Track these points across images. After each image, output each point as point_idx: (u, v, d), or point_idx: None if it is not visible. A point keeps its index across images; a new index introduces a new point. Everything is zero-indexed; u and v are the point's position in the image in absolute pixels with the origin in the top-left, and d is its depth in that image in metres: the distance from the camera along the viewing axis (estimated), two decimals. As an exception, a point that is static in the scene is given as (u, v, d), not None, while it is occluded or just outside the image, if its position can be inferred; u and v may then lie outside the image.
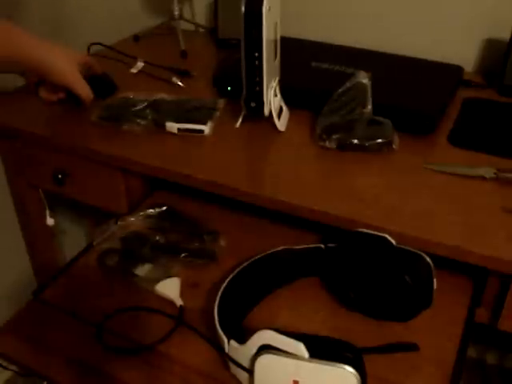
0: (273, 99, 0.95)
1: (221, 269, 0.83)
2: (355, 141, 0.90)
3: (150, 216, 0.92)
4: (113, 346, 0.72)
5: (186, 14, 1.41)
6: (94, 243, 0.88)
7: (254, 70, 0.90)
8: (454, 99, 1.05)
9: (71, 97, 1.01)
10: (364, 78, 0.93)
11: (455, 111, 1.02)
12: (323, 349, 0.60)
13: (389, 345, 0.71)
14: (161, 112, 1.00)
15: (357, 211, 0.79)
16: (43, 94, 1.03)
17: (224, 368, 0.69)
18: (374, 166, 0.89)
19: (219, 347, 0.67)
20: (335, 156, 0.91)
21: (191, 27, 1.42)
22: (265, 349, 0.61)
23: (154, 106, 1.01)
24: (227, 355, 0.66)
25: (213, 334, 0.69)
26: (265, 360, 0.61)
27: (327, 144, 0.91)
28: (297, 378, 0.61)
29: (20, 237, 1.26)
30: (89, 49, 1.23)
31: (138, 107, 1.00)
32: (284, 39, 0.96)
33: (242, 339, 0.64)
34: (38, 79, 1.02)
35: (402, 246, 0.73)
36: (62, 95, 1.03)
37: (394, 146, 0.91)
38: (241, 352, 0.64)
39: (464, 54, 1.18)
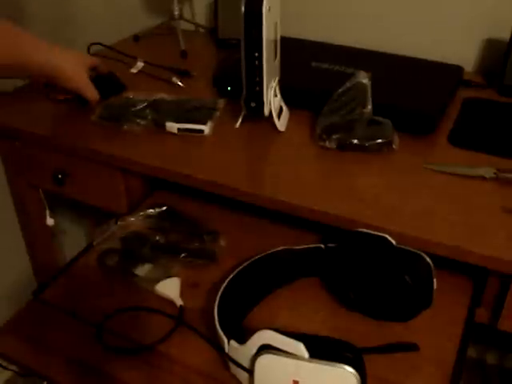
0: (273, 99, 0.95)
1: (221, 269, 0.83)
2: (355, 141, 0.90)
3: (149, 216, 0.93)
4: (113, 345, 0.72)
5: (186, 14, 1.41)
6: (94, 243, 0.88)
7: (254, 70, 0.90)
8: (454, 99, 1.05)
9: (78, 97, 1.02)
10: (364, 78, 0.93)
11: (455, 111, 1.02)
12: (323, 349, 0.60)
13: (389, 345, 0.71)
14: (161, 112, 1.00)
15: (357, 211, 0.79)
16: (51, 92, 1.05)
17: (224, 368, 0.69)
18: (374, 165, 0.89)
19: (219, 347, 0.67)
20: (335, 156, 0.91)
21: (191, 27, 1.42)
22: (265, 349, 0.61)
23: (154, 106, 1.01)
24: (227, 355, 0.66)
25: (213, 334, 0.69)
26: (265, 360, 0.61)
27: (327, 144, 0.91)
28: (297, 378, 0.61)
29: (20, 237, 1.26)
30: (89, 49, 1.23)
31: (138, 107, 1.01)
32: (284, 39, 0.96)
33: (242, 339, 0.64)
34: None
35: (402, 246, 0.73)
36: (69, 95, 1.04)
37: (394, 146, 0.91)
38: (241, 352, 0.64)
39: (464, 54, 1.18)
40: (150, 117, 0.99)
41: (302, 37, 1.24)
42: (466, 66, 1.13)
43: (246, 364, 0.63)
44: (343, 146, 0.91)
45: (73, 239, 1.54)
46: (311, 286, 0.81)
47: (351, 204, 0.80)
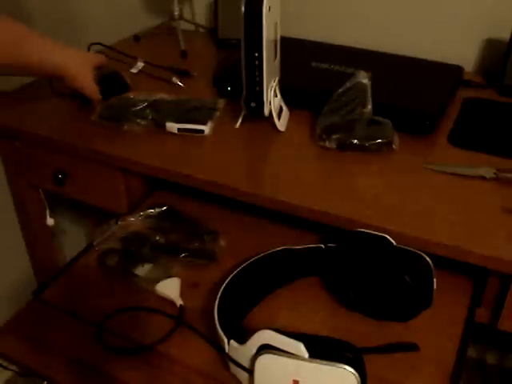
0: (273, 99, 0.95)
1: (221, 269, 0.83)
2: (355, 141, 0.90)
3: (150, 216, 0.93)
4: (113, 346, 0.72)
5: (186, 14, 1.41)
6: (94, 243, 0.88)
7: (254, 70, 0.90)
8: (454, 99, 1.05)
9: (81, 95, 1.02)
10: (364, 78, 0.93)
11: (455, 111, 1.02)
12: (323, 349, 0.60)
13: (389, 345, 0.71)
14: (161, 112, 1.00)
15: (357, 211, 0.79)
16: (56, 86, 1.05)
17: (224, 368, 0.69)
18: (374, 166, 0.89)
19: (219, 347, 0.67)
20: (335, 156, 0.91)
21: (191, 27, 1.42)
22: (265, 349, 0.61)
23: (154, 106, 1.01)
24: (227, 355, 0.66)
25: (213, 334, 0.69)
26: (265, 360, 0.61)
27: (327, 144, 0.91)
28: (297, 378, 0.61)
29: (20, 237, 1.26)
30: (89, 49, 1.23)
31: (138, 107, 1.00)
32: (284, 39, 0.96)
33: (242, 339, 0.64)
34: None
35: (402, 246, 0.73)
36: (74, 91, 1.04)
37: (393, 146, 0.91)
38: (241, 352, 0.64)
39: (464, 53, 1.18)
40: (150, 117, 0.99)
41: (302, 37, 1.24)
42: (466, 66, 1.13)
43: (245, 364, 0.63)
44: (343, 146, 0.91)
45: (73, 239, 1.54)
46: (311, 286, 0.81)
47: (351, 204, 0.80)
